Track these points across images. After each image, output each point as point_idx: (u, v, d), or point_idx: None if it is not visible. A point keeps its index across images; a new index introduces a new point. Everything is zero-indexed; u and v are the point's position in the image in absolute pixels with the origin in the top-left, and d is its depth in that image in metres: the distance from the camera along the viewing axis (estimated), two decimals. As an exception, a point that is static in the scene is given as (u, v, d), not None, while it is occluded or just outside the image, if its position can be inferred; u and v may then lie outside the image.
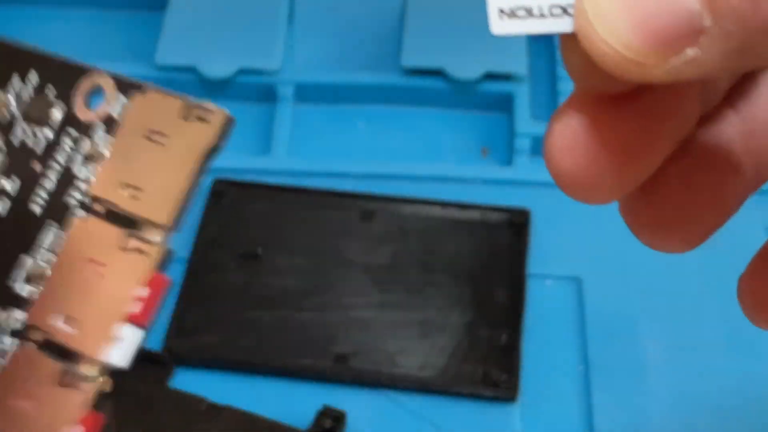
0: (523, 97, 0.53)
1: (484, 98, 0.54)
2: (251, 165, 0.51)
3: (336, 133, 0.54)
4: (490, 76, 0.53)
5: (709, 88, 0.20)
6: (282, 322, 0.45)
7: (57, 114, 0.25)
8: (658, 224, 0.20)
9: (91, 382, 0.20)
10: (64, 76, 0.25)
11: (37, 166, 0.24)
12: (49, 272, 0.23)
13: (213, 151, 0.22)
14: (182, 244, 0.48)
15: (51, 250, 0.23)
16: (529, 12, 0.18)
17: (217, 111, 0.21)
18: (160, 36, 0.55)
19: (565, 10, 0.18)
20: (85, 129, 0.24)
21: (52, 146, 0.24)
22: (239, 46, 0.54)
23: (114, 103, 0.23)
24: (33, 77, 0.25)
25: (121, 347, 0.20)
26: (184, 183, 0.21)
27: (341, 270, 0.47)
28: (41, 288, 0.23)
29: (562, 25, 0.18)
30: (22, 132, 0.24)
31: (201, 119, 0.21)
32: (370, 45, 0.57)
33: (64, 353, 0.22)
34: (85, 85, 0.24)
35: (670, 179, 0.20)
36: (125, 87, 0.24)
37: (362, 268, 0.47)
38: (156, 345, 0.44)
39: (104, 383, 0.20)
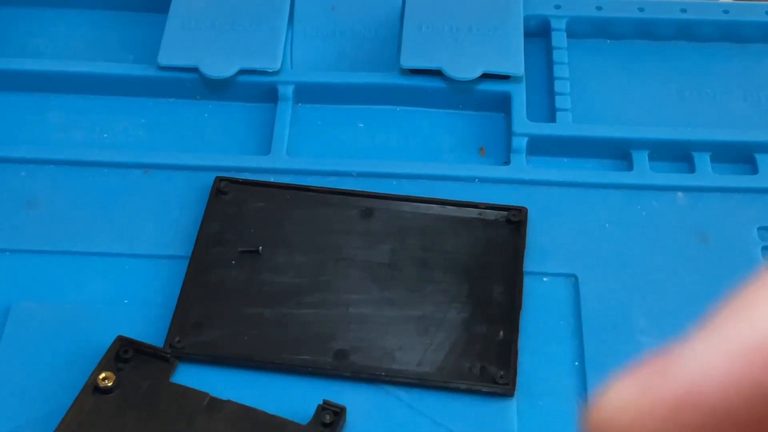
0: (520, 97, 0.54)
1: (482, 98, 0.54)
2: (252, 164, 0.52)
3: (336, 132, 0.54)
4: (488, 77, 0.54)
5: None
6: (282, 319, 0.46)
7: None
8: None
9: None
10: None
11: None
12: None
13: None
14: (184, 242, 0.48)
15: None
16: None
17: None
18: (162, 37, 0.55)
19: None
20: None
21: None
22: (240, 47, 0.55)
23: None
24: None
25: None
26: None
27: (341, 267, 0.47)
28: None
29: None
30: None
31: None
32: (369, 46, 0.58)
33: None
34: None
35: None
36: None
37: (361, 265, 0.47)
38: (159, 341, 0.45)
39: None
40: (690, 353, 0.13)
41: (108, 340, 0.44)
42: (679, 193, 0.51)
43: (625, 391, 0.13)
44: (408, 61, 0.54)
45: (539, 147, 0.53)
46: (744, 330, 0.13)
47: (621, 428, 0.13)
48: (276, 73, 0.54)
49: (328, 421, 0.42)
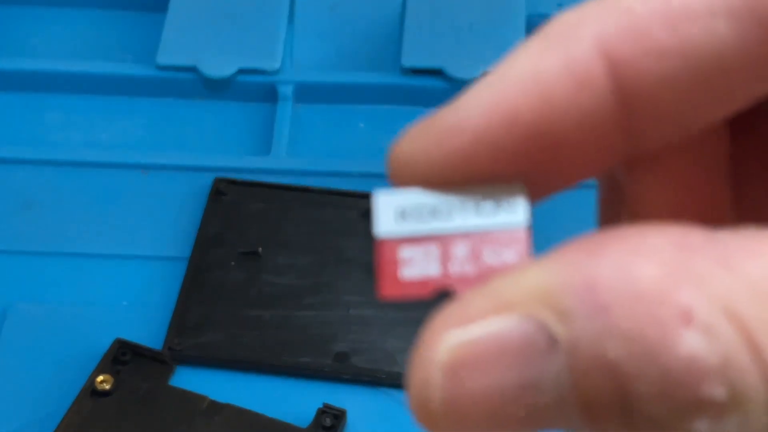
0: (522, 96, 0.53)
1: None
2: (252, 164, 0.51)
3: (336, 132, 0.54)
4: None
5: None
6: (282, 321, 0.45)
7: None
8: None
9: None
10: None
11: None
12: None
13: None
14: (183, 243, 0.48)
15: None
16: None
17: None
18: (160, 36, 0.55)
19: None
20: None
21: None
22: (240, 45, 0.54)
23: None
24: None
25: None
26: None
27: (341, 268, 0.47)
28: None
29: None
30: None
31: None
32: (370, 45, 0.57)
33: None
34: None
35: None
36: None
37: (362, 266, 0.47)
38: (157, 343, 0.44)
39: None
40: (459, 100, 0.15)
41: (106, 342, 0.44)
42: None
43: (418, 126, 0.15)
44: (409, 60, 0.54)
45: (541, 147, 0.52)
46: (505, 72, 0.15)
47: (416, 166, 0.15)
48: (275, 72, 0.54)
49: (328, 425, 0.41)
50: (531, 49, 0.15)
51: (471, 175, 0.15)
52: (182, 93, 0.54)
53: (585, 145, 0.15)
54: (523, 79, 0.14)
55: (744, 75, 0.14)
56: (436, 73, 0.54)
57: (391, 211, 0.15)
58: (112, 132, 0.54)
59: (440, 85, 0.54)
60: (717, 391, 0.12)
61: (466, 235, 0.15)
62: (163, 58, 0.54)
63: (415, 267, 0.15)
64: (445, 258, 0.15)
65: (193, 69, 0.54)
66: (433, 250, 0.15)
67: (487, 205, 0.15)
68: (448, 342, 0.14)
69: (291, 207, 0.49)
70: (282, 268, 0.47)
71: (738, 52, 0.14)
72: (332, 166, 0.51)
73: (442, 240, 0.15)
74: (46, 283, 0.47)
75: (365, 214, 0.49)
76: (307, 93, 0.54)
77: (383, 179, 0.51)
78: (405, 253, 0.15)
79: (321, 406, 0.42)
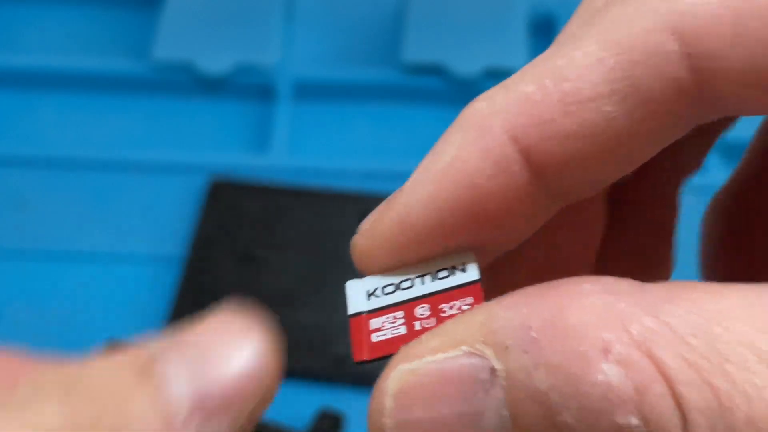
0: (524, 93, 0.53)
1: (485, 95, 0.53)
2: (250, 162, 0.51)
3: (335, 130, 0.53)
4: (491, 74, 0.53)
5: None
6: (279, 323, 0.45)
7: None
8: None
9: None
10: None
11: None
12: None
13: None
14: (179, 244, 0.48)
15: None
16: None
17: None
18: (156, 32, 0.54)
19: None
20: None
21: None
22: (236, 41, 0.54)
23: None
24: None
25: None
26: None
27: (340, 270, 0.46)
28: None
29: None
30: None
31: None
32: (369, 40, 0.57)
33: None
34: None
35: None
36: None
37: (361, 267, 0.46)
38: (152, 345, 0.44)
39: None
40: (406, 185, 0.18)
41: (99, 344, 0.43)
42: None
43: (370, 221, 0.19)
44: (409, 55, 0.53)
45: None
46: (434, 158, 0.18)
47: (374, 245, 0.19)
48: (274, 68, 0.53)
49: (326, 429, 0.41)
50: (453, 142, 0.17)
51: (424, 257, 0.18)
52: (178, 90, 0.54)
53: (513, 215, 0.17)
54: (452, 171, 0.17)
55: (634, 144, 0.17)
56: (437, 70, 0.53)
57: (360, 294, 0.18)
58: (107, 130, 0.53)
59: (441, 83, 0.53)
60: (632, 419, 0.14)
61: (427, 298, 0.17)
62: (159, 54, 0.53)
63: (384, 332, 0.17)
64: (409, 319, 0.17)
65: (189, 65, 0.53)
66: (399, 315, 0.17)
67: (443, 273, 0.18)
68: (398, 372, 0.16)
69: (288, 208, 0.49)
70: (279, 270, 0.46)
71: (626, 127, 0.16)
72: (331, 164, 0.51)
73: (406, 306, 0.17)
74: (38, 284, 0.47)
75: (364, 216, 0.48)
76: (307, 90, 0.54)
77: (383, 177, 0.51)
78: (374, 323, 0.18)
79: (319, 409, 0.41)
